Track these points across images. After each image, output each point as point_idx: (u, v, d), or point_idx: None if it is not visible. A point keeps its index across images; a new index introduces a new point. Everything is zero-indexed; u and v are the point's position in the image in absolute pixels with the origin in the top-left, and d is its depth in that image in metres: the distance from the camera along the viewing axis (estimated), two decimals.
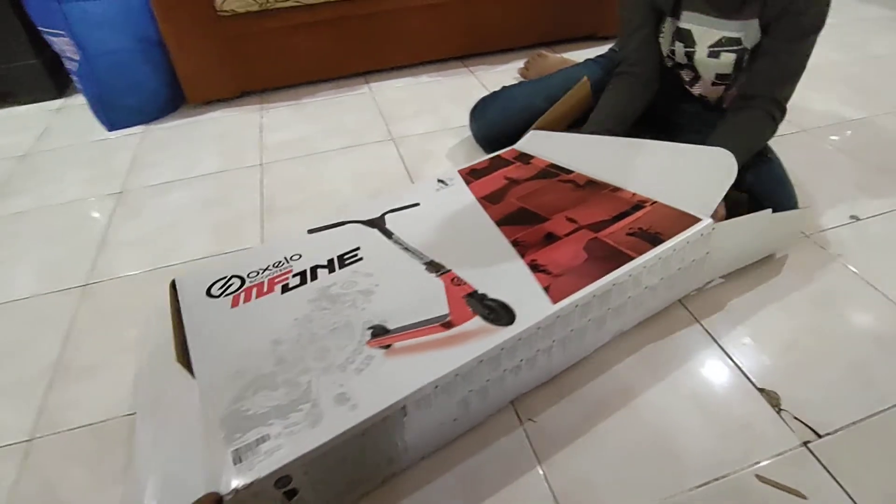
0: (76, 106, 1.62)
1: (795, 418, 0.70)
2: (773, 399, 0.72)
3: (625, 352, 0.79)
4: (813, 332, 0.81)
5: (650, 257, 0.72)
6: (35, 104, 1.68)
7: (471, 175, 0.98)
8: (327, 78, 1.62)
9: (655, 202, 0.82)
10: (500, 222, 0.83)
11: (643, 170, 0.89)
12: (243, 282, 0.78)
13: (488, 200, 0.90)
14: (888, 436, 0.68)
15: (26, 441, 0.73)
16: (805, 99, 1.45)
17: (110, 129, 1.49)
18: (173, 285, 0.81)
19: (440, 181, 0.97)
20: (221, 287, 0.78)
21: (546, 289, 0.69)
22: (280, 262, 0.81)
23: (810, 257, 0.94)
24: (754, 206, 0.89)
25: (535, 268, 0.73)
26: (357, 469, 0.60)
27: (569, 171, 0.94)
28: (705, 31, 0.94)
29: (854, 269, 0.92)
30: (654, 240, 0.74)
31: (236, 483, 0.52)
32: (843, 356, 0.78)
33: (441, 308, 0.68)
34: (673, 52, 1.01)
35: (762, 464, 0.65)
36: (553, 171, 0.95)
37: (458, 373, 0.61)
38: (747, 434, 0.68)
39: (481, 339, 0.63)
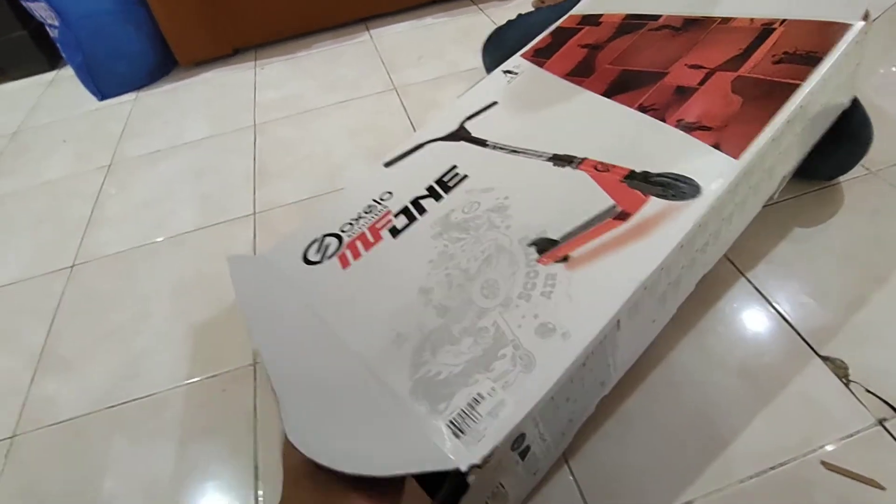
0: (67, 77, 1.54)
1: (868, 391, 0.59)
2: (839, 368, 0.61)
3: None
4: (883, 286, 0.69)
5: (819, 78, 0.59)
6: (28, 78, 1.61)
7: (537, 56, 0.85)
8: (325, 27, 1.49)
9: (785, 20, 0.68)
10: (609, 93, 0.71)
11: None
12: (340, 239, 0.67)
13: (578, 75, 0.77)
14: None
15: (9, 438, 0.68)
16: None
17: (101, 99, 1.41)
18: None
19: (507, 72, 0.84)
20: (318, 251, 0.67)
21: (716, 146, 0.57)
22: (371, 206, 0.70)
23: (876, 198, 0.81)
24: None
25: (687, 128, 0.61)
26: (576, 403, 0.52)
27: (655, 17, 0.80)
28: None
29: None
30: (811, 59, 0.61)
31: (474, 457, 0.42)
32: None
33: (602, 201, 0.57)
34: None
35: (829, 448, 0.55)
36: (635, 23, 0.82)
37: (663, 266, 0.50)
38: (809, 412, 0.58)
39: (672, 220, 0.52)
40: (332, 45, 1.43)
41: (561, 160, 0.64)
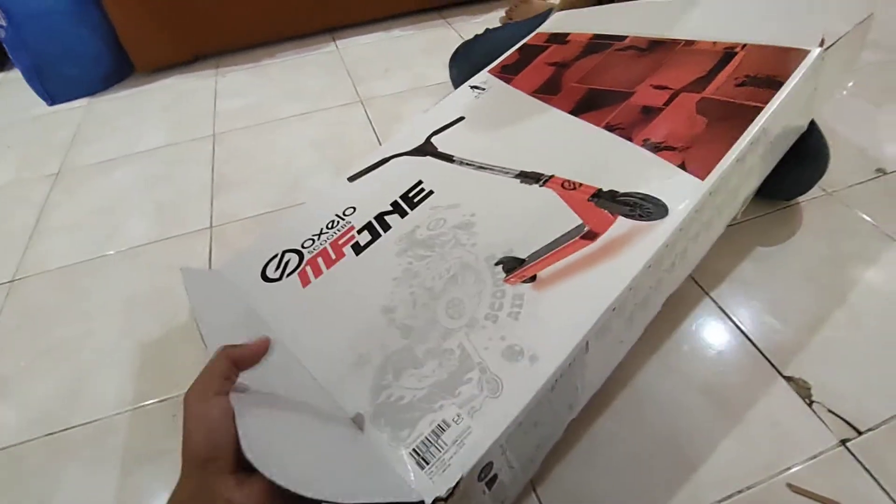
0: (14, 80, 1.46)
1: (830, 411, 0.59)
2: (802, 389, 0.61)
3: None
4: (843, 305, 0.70)
5: (780, 102, 0.60)
6: None
7: (505, 72, 0.84)
8: (290, 37, 1.46)
9: (746, 45, 0.69)
10: (576, 111, 0.71)
11: (713, 17, 0.77)
12: (301, 255, 0.65)
13: (545, 93, 0.77)
14: None
15: None
16: None
17: (51, 104, 1.35)
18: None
19: (474, 87, 0.83)
20: (278, 267, 0.65)
21: (682, 166, 0.57)
22: (333, 221, 0.68)
23: (834, 218, 0.83)
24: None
25: (654, 147, 0.61)
26: (544, 427, 0.50)
27: (621, 38, 0.81)
28: None
29: (884, 230, 0.80)
30: (772, 84, 0.62)
31: (439, 490, 0.39)
32: (877, 332, 0.67)
33: (570, 220, 0.56)
34: None
35: (794, 470, 0.55)
36: (602, 43, 0.82)
37: (631, 286, 0.49)
38: (775, 433, 0.58)
39: (640, 241, 0.51)
40: (297, 54, 1.40)
41: (528, 177, 0.63)
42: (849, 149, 0.95)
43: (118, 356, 0.72)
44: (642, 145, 0.62)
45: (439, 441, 0.42)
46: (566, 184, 0.61)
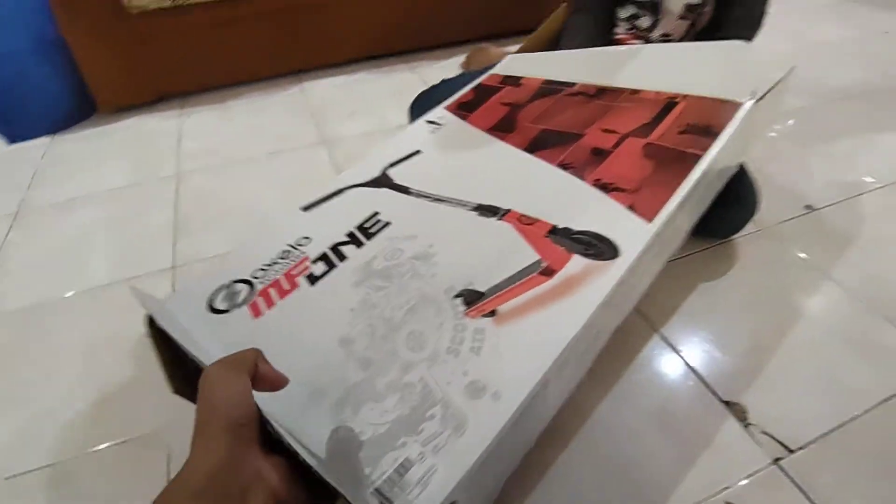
0: None
1: (764, 433, 0.64)
2: (739, 413, 0.66)
3: None
4: (775, 333, 0.76)
5: (717, 150, 0.64)
6: None
7: (461, 109, 0.87)
8: (256, 79, 1.50)
9: (686, 95, 0.74)
10: (530, 149, 0.73)
11: (655, 69, 0.82)
12: (252, 285, 0.62)
13: (500, 130, 0.79)
14: (863, 446, 0.63)
15: None
16: None
17: (10, 142, 1.34)
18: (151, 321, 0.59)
19: (430, 122, 0.85)
20: (226, 298, 0.62)
21: (631, 208, 0.60)
22: (287, 251, 0.66)
23: (766, 252, 0.89)
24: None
25: (604, 188, 0.63)
26: (504, 462, 0.51)
27: (571, 84, 0.85)
28: None
29: (813, 263, 0.87)
30: (710, 133, 0.67)
31: None
32: (808, 358, 0.72)
33: (528, 255, 0.57)
34: None
35: (732, 488, 0.59)
36: (553, 88, 0.86)
37: (588, 324, 0.51)
38: (715, 455, 0.62)
39: (595, 279, 0.53)
40: (262, 96, 1.44)
41: (486, 210, 0.65)
42: (779, 187, 1.03)
43: (77, 399, 0.72)
44: (594, 185, 0.65)
45: (403, 481, 0.42)
46: (523, 218, 0.62)
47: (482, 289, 0.55)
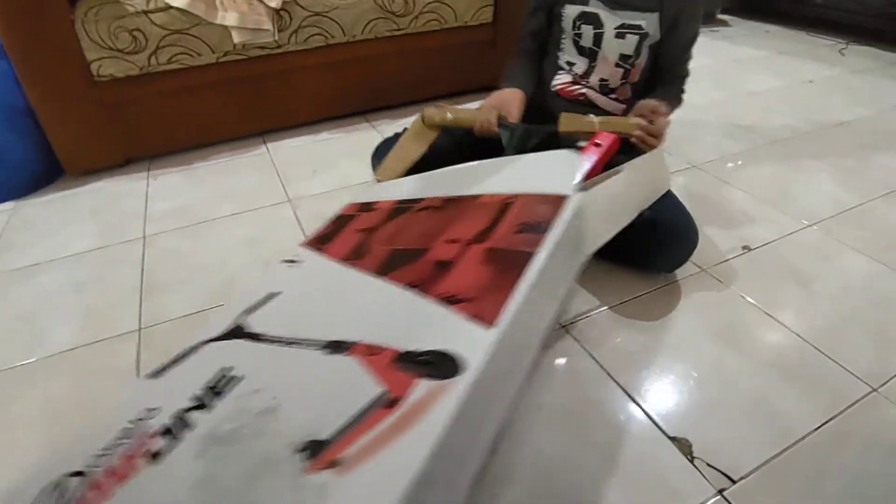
0: None
1: (709, 465, 0.68)
2: (684, 447, 0.70)
3: (530, 407, 0.75)
4: (717, 369, 0.81)
5: (550, 245, 0.68)
6: None
7: (319, 243, 0.89)
8: (221, 140, 1.54)
9: (519, 195, 0.79)
10: (381, 271, 0.75)
11: (493, 176, 0.88)
12: (84, 477, 0.57)
13: (354, 258, 0.81)
14: (800, 472, 0.67)
15: None
16: (693, 136, 1.53)
17: None
18: None
19: (287, 261, 0.87)
20: (52, 499, 0.57)
21: (474, 317, 0.61)
22: (127, 429, 0.61)
23: (707, 292, 0.96)
24: (654, 232, 0.92)
25: (448, 301, 0.65)
26: None
27: (419, 200, 0.90)
28: (610, 15, 1.03)
29: (751, 300, 0.93)
30: (541, 229, 0.70)
31: None
32: (747, 391, 0.77)
33: (372, 388, 0.56)
34: (579, 35, 1.07)
35: None
36: (404, 206, 0.90)
37: (435, 453, 0.49)
38: (663, 489, 0.65)
39: (440, 402, 0.52)
40: (228, 156, 1.48)
41: (334, 347, 0.64)
42: (719, 228, 1.11)
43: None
44: (438, 300, 0.65)
45: None
46: (370, 349, 0.61)
47: (326, 436, 0.53)
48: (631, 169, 0.82)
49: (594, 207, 0.78)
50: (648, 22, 1.02)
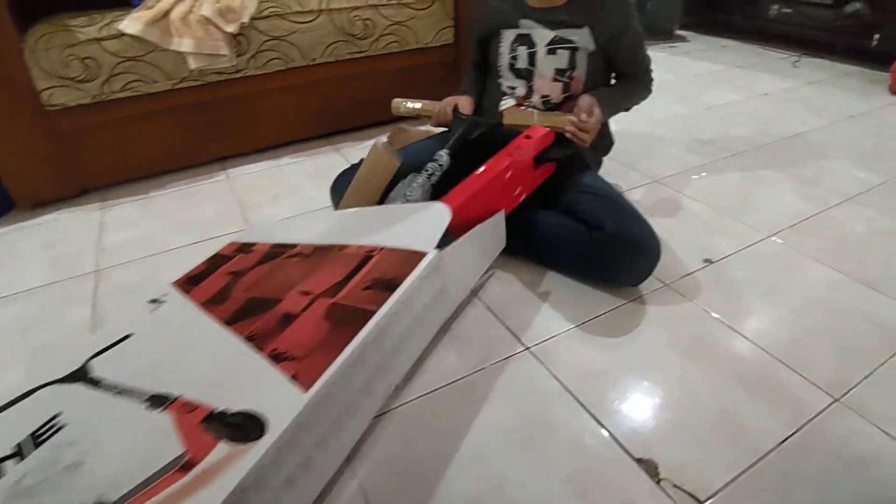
0: None
1: (675, 486, 0.66)
2: (651, 468, 0.69)
3: (495, 434, 0.73)
4: (682, 385, 0.80)
5: (392, 305, 0.68)
6: None
7: (188, 284, 0.89)
8: (179, 167, 1.51)
9: (383, 248, 0.80)
10: (231, 321, 0.75)
11: (367, 226, 0.89)
12: None
13: (213, 303, 0.81)
14: (767, 488, 0.66)
15: None
16: (655, 151, 1.55)
17: None
18: None
19: (153, 301, 0.87)
20: None
21: (294, 377, 0.61)
22: None
23: (671, 306, 0.96)
24: (617, 246, 0.93)
25: (277, 358, 0.65)
26: None
27: (294, 246, 0.90)
28: (542, 33, 1.07)
29: (714, 314, 0.94)
30: (391, 286, 0.71)
31: None
32: (712, 407, 0.77)
33: (173, 450, 0.56)
34: (515, 57, 1.11)
35: None
36: (278, 251, 0.91)
37: None
38: None
39: (231, 467, 0.52)
40: (187, 184, 1.45)
41: (155, 402, 0.64)
42: (681, 242, 1.12)
43: None
44: (268, 356, 0.66)
45: None
46: (187, 406, 0.62)
47: (114, 498, 0.53)
48: (479, 229, 0.87)
49: (454, 261, 0.81)
50: (580, 36, 1.05)
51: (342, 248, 0.83)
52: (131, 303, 1.02)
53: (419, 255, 0.75)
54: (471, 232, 0.84)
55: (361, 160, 1.18)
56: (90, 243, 1.22)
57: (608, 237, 0.92)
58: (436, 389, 0.80)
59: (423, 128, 1.68)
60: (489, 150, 1.01)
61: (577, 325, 0.91)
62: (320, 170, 1.47)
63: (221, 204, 1.33)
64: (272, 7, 1.43)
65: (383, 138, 1.55)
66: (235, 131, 1.53)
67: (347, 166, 1.17)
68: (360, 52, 1.57)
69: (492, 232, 0.93)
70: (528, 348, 0.87)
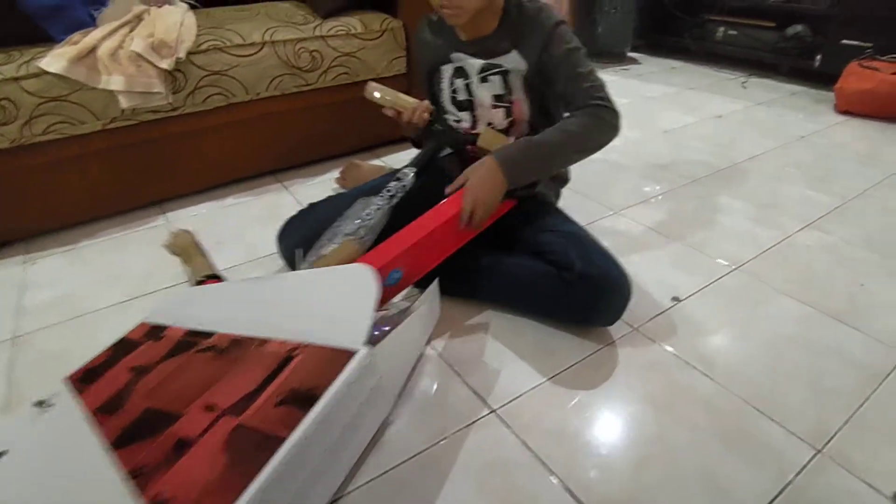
0: None
1: None
2: None
3: None
4: (658, 444, 0.75)
5: (307, 426, 0.58)
6: None
7: (83, 381, 0.79)
8: (114, 213, 1.39)
9: (307, 345, 0.70)
10: (117, 443, 0.65)
11: (290, 309, 0.79)
12: None
13: (105, 412, 0.71)
14: None
15: None
16: (613, 179, 1.52)
17: None
18: None
19: (39, 403, 0.79)
20: None
21: None
22: None
23: (642, 352, 0.91)
24: (587, 287, 0.89)
25: None
26: None
27: (209, 335, 0.80)
28: (472, 63, 1.05)
29: (686, 359, 0.89)
30: (309, 400, 0.61)
31: None
32: (691, 467, 0.72)
33: None
34: (455, 90, 1.09)
35: None
36: (190, 341, 0.80)
37: None
38: None
39: None
40: (120, 231, 1.33)
41: None
42: (647, 281, 1.08)
43: None
44: (150, 502, 0.57)
45: None
46: None
47: None
48: (416, 311, 0.83)
49: (388, 354, 0.72)
50: (508, 60, 1.02)
51: (262, 343, 0.73)
52: (51, 377, 0.91)
53: (346, 355, 0.65)
54: (406, 321, 0.78)
55: (310, 204, 1.11)
56: (8, 304, 1.09)
57: (578, 277, 0.88)
58: (393, 468, 0.72)
59: (375, 162, 1.62)
60: (454, 174, 0.96)
61: (546, 379, 0.85)
62: (267, 211, 1.38)
63: (157, 253, 1.22)
64: (211, 40, 1.34)
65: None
66: (174, 172, 1.43)
67: (295, 212, 1.09)
68: (308, 85, 1.50)
69: (428, 308, 0.88)
70: (493, 411, 0.80)
